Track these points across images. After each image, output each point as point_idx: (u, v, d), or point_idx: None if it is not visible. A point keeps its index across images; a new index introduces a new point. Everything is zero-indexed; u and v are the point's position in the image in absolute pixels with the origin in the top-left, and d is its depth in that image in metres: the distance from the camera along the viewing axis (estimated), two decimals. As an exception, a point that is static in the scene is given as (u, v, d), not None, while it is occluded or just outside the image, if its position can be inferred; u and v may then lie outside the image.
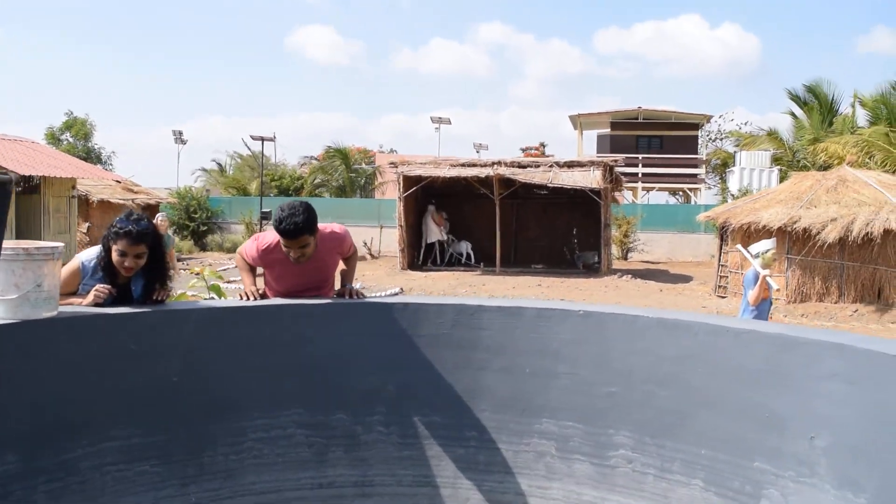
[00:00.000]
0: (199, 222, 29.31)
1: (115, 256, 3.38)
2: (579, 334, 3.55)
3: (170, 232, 15.91)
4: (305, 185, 36.95)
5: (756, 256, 6.76)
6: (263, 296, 3.83)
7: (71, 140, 40.31)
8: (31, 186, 20.09)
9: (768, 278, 6.54)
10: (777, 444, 2.91)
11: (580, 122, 38.27)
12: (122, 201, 25.08)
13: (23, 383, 3.03)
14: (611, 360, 3.46)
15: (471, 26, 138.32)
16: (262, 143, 27.92)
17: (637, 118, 37.15)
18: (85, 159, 34.10)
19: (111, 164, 41.57)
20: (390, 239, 23.61)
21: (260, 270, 4.14)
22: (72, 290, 3.48)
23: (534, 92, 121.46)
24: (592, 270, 20.69)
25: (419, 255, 22.41)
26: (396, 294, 16.81)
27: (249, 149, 39.42)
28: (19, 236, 18.37)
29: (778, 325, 3.18)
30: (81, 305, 3.36)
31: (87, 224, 23.25)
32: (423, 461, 3.72)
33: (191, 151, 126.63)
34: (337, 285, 4.15)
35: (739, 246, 8.19)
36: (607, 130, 37.59)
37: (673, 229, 27.47)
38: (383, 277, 19.42)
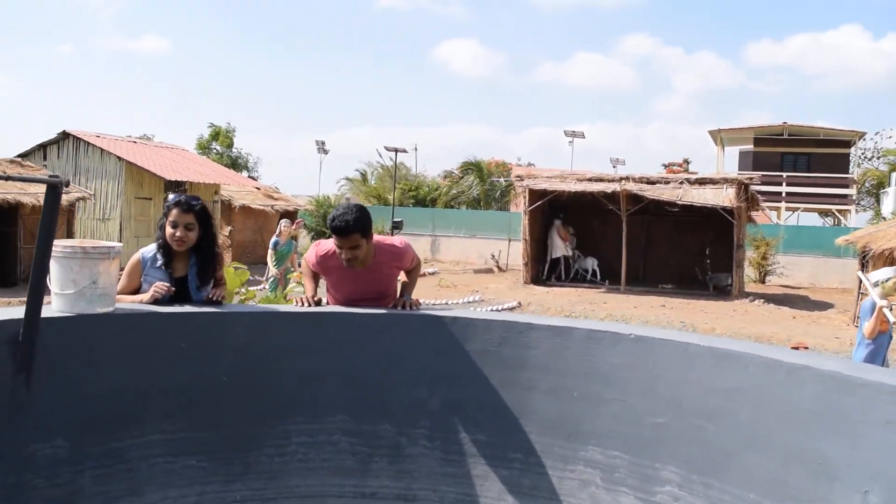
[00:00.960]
0: (336, 229, 30.26)
1: (168, 230, 3.55)
2: (630, 359, 3.36)
3: (304, 237, 16.43)
4: (441, 197, 37.43)
5: (875, 285, 6.18)
6: (319, 303, 3.88)
7: (219, 149, 42.94)
8: (179, 191, 21.56)
9: (885, 309, 5.96)
10: (827, 495, 2.61)
11: (721, 137, 36.58)
12: (262, 207, 26.40)
13: (77, 373, 3.19)
14: (660, 388, 3.25)
15: (615, 39, 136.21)
16: (396, 154, 28.64)
17: (782, 134, 35.05)
18: (232, 167, 36.19)
19: (257, 172, 44.00)
20: (518, 252, 23.49)
21: None
22: (136, 284, 3.67)
23: (680, 106, 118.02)
24: (724, 293, 19.72)
25: (544, 270, 22.18)
26: (513, 308, 16.70)
27: (391, 159, 40.49)
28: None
29: (836, 362, 2.87)
30: (140, 303, 3.52)
31: (228, 228, 24.40)
32: (467, 479, 3.63)
33: (335, 161, 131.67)
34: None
35: (860, 273, 7.55)
36: (750, 147, 35.73)
37: (817, 253, 25.71)
38: (504, 291, 19.36)
